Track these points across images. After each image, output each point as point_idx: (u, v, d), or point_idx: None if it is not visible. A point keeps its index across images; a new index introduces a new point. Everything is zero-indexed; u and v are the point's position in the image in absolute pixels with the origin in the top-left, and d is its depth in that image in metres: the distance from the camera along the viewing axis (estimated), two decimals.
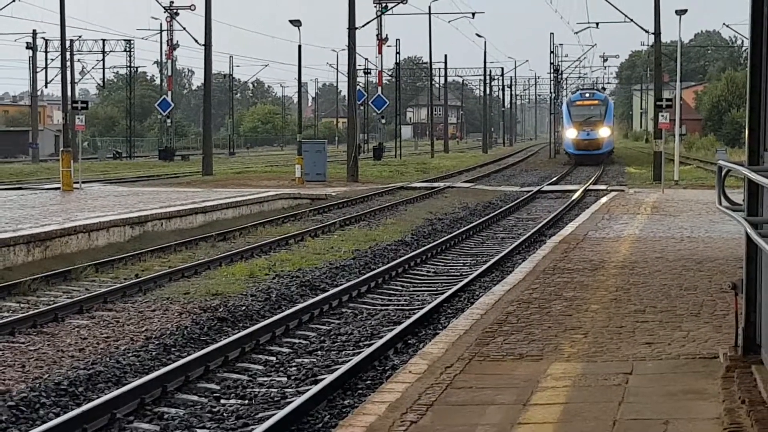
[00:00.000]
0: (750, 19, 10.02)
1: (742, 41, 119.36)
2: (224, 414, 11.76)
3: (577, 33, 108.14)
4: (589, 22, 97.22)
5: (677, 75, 63.46)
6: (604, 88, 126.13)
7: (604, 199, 35.78)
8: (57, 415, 11.42)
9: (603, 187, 45.92)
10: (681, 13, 56.70)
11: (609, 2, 61.58)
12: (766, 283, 9.21)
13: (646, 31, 59.55)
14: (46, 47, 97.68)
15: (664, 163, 44.96)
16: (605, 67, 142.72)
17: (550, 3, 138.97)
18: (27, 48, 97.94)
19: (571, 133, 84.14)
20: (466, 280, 20.32)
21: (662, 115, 45.97)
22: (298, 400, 11.57)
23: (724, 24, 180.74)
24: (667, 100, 49.80)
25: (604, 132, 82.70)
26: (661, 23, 57.03)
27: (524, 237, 27.94)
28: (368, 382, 12.81)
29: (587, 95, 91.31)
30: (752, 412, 8.15)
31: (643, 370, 9.94)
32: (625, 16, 60.84)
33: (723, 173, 9.54)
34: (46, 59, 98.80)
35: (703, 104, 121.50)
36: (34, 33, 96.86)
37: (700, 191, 39.83)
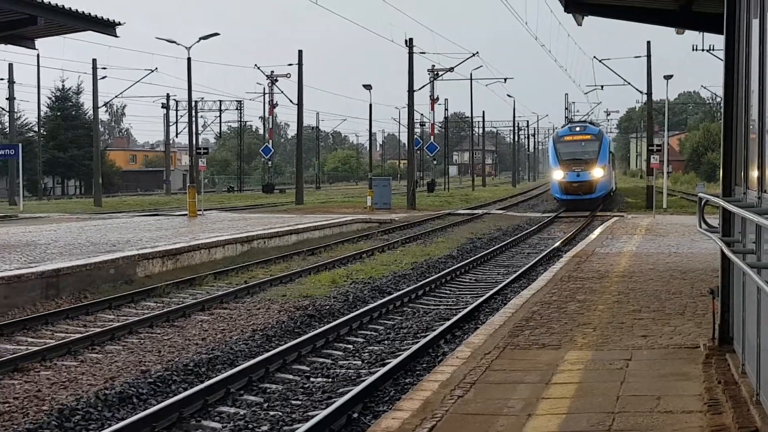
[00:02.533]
0: (723, 83, 9.96)
1: (717, 99, 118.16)
2: (313, 389, 11.81)
3: (586, 93, 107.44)
4: (595, 85, 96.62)
5: (665, 126, 63.14)
6: (597, 124, 77.99)
7: (608, 223, 35.57)
8: (185, 389, 11.52)
9: (607, 213, 45.54)
10: (668, 78, 56.29)
11: (611, 69, 61.34)
12: (737, 289, 9.16)
13: (641, 92, 58.99)
14: (176, 107, 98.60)
15: (654, 195, 44.92)
16: (608, 120, 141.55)
17: (565, 71, 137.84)
18: (162, 107, 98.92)
19: (557, 175, 53.98)
20: (499, 286, 20.26)
21: (653, 157, 45.93)
22: (370, 379, 11.60)
23: (702, 86, 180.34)
24: (657, 145, 49.43)
25: (597, 172, 52.33)
26: (652, 85, 56.81)
27: (545, 252, 27.77)
28: (424, 365, 12.81)
29: (577, 129, 58.06)
30: (726, 390, 8.12)
31: (639, 357, 9.93)
32: (624, 80, 60.29)
33: (702, 203, 9.49)
34: (177, 116, 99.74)
35: (685, 148, 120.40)
36: (168, 96, 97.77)
37: (683, 216, 39.53)
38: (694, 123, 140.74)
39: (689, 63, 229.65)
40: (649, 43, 56.90)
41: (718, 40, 44.96)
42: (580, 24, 21.83)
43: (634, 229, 31.49)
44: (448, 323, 15.65)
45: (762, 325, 7.10)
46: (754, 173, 8.06)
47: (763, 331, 7.08)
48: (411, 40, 58.89)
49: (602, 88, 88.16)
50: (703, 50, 54.21)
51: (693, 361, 9.55)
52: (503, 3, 35.37)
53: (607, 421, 7.48)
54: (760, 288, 6.41)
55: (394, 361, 12.63)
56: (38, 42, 24.13)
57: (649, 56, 56.55)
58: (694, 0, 17.53)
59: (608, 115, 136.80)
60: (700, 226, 9.34)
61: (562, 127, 58.15)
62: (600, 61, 61.89)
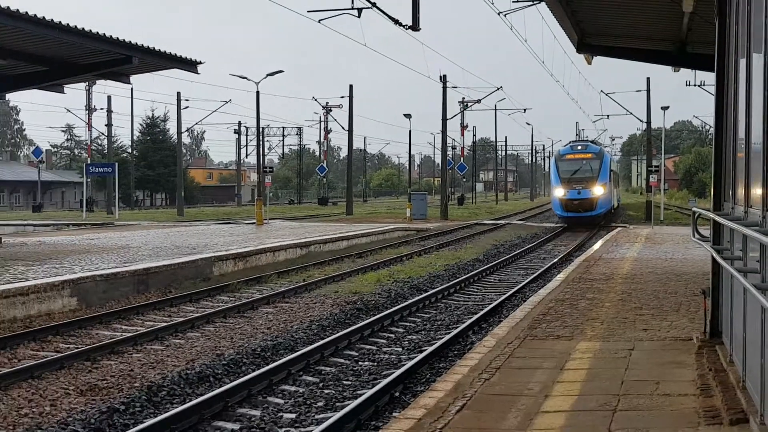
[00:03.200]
0: (714, 113, 9.90)
1: (707, 127, 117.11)
2: (360, 371, 11.81)
3: (594, 122, 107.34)
4: (602, 115, 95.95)
5: (662, 150, 62.69)
6: (599, 143, 67.25)
7: (612, 233, 35.31)
8: (253, 370, 11.57)
9: (611, 224, 45.24)
10: (665, 108, 56.16)
11: (615, 101, 61.17)
12: (726, 290, 9.09)
13: (641, 121, 58.64)
14: (246, 132, 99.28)
15: (653, 209, 44.82)
16: (613, 144, 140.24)
17: (576, 102, 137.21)
18: (235, 132, 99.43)
19: (558, 192, 47.87)
20: (520, 285, 20.18)
21: (652, 177, 45.82)
22: (409, 363, 11.59)
23: (694, 116, 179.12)
24: (655, 166, 49.25)
25: (597, 190, 46.20)
26: (651, 115, 56.53)
27: (559, 257, 27.63)
28: (456, 352, 12.79)
29: (579, 147, 51.84)
30: (716, 377, 8.05)
31: (641, 347, 9.86)
32: (626, 110, 59.91)
33: (696, 216, 9.43)
34: (246, 140, 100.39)
35: (679, 169, 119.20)
36: (239, 123, 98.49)
37: (678, 228, 39.16)
38: (687, 147, 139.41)
39: (683, 96, 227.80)
40: (648, 79, 56.64)
41: (708, 77, 44.59)
42: (590, 63, 21.76)
43: (635, 238, 31.25)
44: (475, 317, 15.61)
45: (747, 321, 7.04)
46: (741, 191, 8.00)
47: (748, 326, 7.02)
48: (445, 76, 58.93)
49: (608, 117, 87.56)
50: (695, 85, 53.79)
51: (687, 352, 9.47)
52: (523, 45, 35.24)
53: (613, 402, 7.43)
54: (746, 289, 6.38)
55: (430, 349, 12.62)
56: (132, 77, 24.42)
57: (648, 90, 56.28)
58: (688, 43, 17.44)
59: (613, 140, 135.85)
60: (694, 236, 9.27)
61: (564, 146, 50.04)
62: (606, 94, 61.62)
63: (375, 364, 12.29)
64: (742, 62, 8.18)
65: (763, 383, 6.18)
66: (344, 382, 11.16)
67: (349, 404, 9.62)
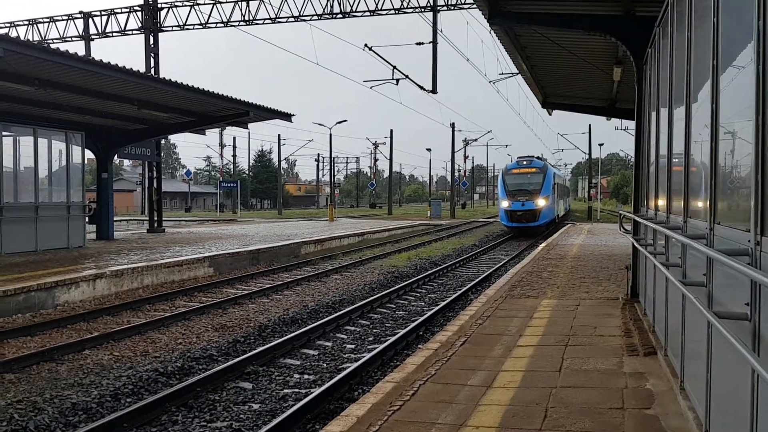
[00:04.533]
0: (634, 147, 9.79)
1: (629, 157, 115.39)
2: (397, 317, 11.79)
3: (553, 153, 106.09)
4: (558, 148, 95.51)
5: (599, 172, 61.80)
6: (544, 159, 44.95)
7: (565, 227, 34.83)
8: (326, 316, 11.61)
9: (565, 222, 44.64)
10: (601, 144, 55.58)
11: (567, 140, 60.70)
12: (641, 266, 8.98)
13: (584, 153, 58.07)
14: (322, 160, 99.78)
15: (592, 212, 44.16)
16: (565, 168, 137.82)
17: (540, 140, 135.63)
18: (315, 161, 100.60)
19: (504, 203, 36.80)
20: (503, 261, 20.03)
21: (592, 190, 45.31)
22: (429, 313, 11.55)
23: (620, 149, 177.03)
24: (594, 183, 48.74)
25: (540, 202, 36.18)
26: (592, 149, 56.02)
27: (529, 242, 27.40)
28: (460, 305, 12.72)
29: (524, 163, 39.94)
30: (635, 324, 7.96)
31: (584, 304, 9.73)
32: (575, 145, 60.02)
33: (621, 216, 9.31)
34: (322, 165, 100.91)
35: (610, 185, 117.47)
36: (318, 155, 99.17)
37: (609, 224, 38.53)
38: (615, 171, 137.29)
39: (613, 136, 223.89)
40: (590, 125, 56.46)
41: (630, 124, 43.89)
42: (550, 114, 21.55)
43: (580, 231, 30.84)
44: (473, 282, 15.53)
45: (656, 286, 6.95)
46: (651, 200, 7.91)
47: (656, 290, 6.93)
48: (453, 124, 58.75)
49: (562, 150, 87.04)
50: (622, 129, 52.81)
51: (615, 307, 9.34)
52: (506, 102, 35.14)
53: (565, 339, 7.37)
54: (654, 265, 6.30)
55: (443, 303, 12.58)
56: (249, 125, 24.61)
57: (590, 132, 55.67)
58: (617, 101, 17.23)
59: (565, 165, 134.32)
60: (620, 230, 9.15)
61: (512, 162, 39.14)
62: (561, 135, 61.17)
63: (406, 312, 12.30)
64: (653, 114, 8.08)
65: (666, 329, 6.11)
66: (386, 325, 11.19)
67: (388, 339, 9.64)
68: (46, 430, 6.17)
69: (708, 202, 4.06)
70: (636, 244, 8.11)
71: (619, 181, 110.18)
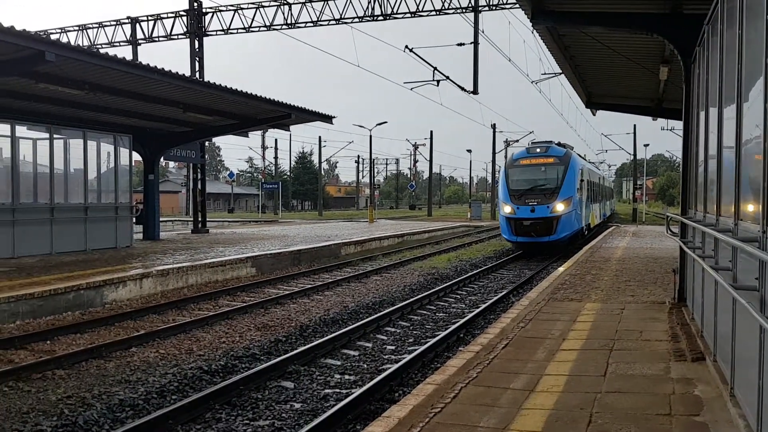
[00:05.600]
0: (682, 148, 9.56)
1: (675, 158, 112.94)
2: (437, 319, 11.76)
3: (597, 154, 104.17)
4: (602, 149, 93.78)
5: (644, 173, 60.58)
6: (568, 145, 25.46)
7: (609, 230, 34.25)
8: (367, 317, 11.64)
9: (609, 224, 43.86)
10: (646, 145, 54.29)
11: (612, 140, 59.46)
12: (689, 269, 8.77)
13: (629, 153, 57.01)
14: (362, 162, 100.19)
15: (637, 214, 43.30)
16: (609, 168, 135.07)
17: (584, 140, 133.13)
18: (355, 162, 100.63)
19: (506, 209, 22.07)
20: (545, 264, 19.80)
21: (637, 192, 44.40)
22: (469, 315, 11.49)
23: (666, 150, 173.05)
24: (640, 185, 47.77)
25: (558, 207, 21.35)
26: (637, 150, 54.87)
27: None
28: (501, 308, 12.62)
29: (537, 150, 22.86)
30: (682, 328, 7.79)
31: (629, 308, 9.55)
32: (619, 146, 58.66)
33: (668, 219, 9.11)
34: (362, 166, 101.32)
35: (656, 186, 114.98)
36: (358, 156, 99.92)
37: (654, 227, 37.75)
38: (661, 172, 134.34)
39: (659, 136, 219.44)
40: (635, 125, 55.54)
41: (677, 124, 42.94)
42: (594, 115, 21.22)
43: (625, 233, 30.27)
44: (514, 285, 15.39)
45: (704, 290, 6.78)
46: (700, 202, 7.72)
47: (705, 294, 6.76)
48: (494, 125, 58.27)
49: (606, 151, 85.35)
50: (668, 129, 51.65)
51: (661, 311, 9.15)
52: (548, 103, 34.63)
53: (610, 344, 7.24)
54: (704, 269, 6.16)
55: (483, 306, 12.50)
56: (291, 127, 24.87)
57: (635, 133, 54.65)
58: (663, 101, 16.88)
59: (609, 167, 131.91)
60: (667, 232, 8.95)
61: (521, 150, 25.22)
62: (605, 135, 60.02)
63: (446, 314, 12.26)
64: (701, 114, 7.88)
65: (715, 334, 5.96)
66: (426, 326, 11.16)
67: (429, 341, 9.62)
68: (95, 426, 6.34)
69: (761, 204, 3.94)
70: (684, 247, 7.91)
71: (665, 182, 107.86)
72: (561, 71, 15.08)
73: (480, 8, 25.41)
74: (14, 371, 7.79)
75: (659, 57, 12.10)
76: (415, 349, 9.11)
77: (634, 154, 55.97)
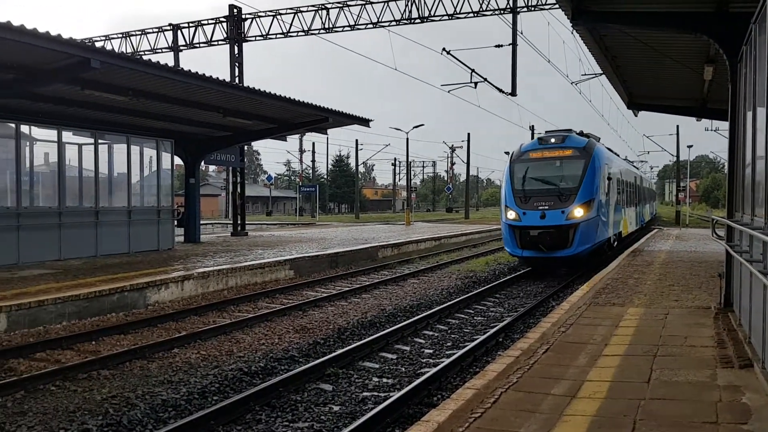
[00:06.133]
0: (728, 149, 9.33)
1: (719, 160, 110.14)
2: (475, 323, 11.67)
3: (638, 156, 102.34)
4: (644, 150, 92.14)
5: (687, 175, 59.25)
6: (593, 136, 19.69)
7: (651, 233, 33.56)
8: (404, 320, 11.62)
9: (651, 227, 42.99)
10: (689, 146, 53.12)
11: (654, 142, 58.37)
12: (736, 273, 8.55)
13: (672, 155, 55.81)
14: (399, 164, 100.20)
15: (681, 216, 42.36)
16: (651, 170, 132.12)
17: (626, 142, 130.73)
18: (392, 165, 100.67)
19: (510, 214, 16.66)
20: (584, 270, 19.49)
21: (681, 194, 43.42)
22: (508, 319, 11.38)
23: (711, 151, 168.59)
24: (683, 187, 46.78)
25: (577, 212, 15.81)
26: (680, 151, 53.81)
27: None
28: (540, 312, 12.48)
29: (552, 141, 17.02)
30: (729, 334, 7.59)
31: (673, 313, 9.34)
32: (662, 147, 57.29)
33: (714, 221, 8.88)
34: (399, 169, 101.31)
35: (700, 188, 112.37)
36: (395, 159, 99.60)
37: (699, 229, 36.88)
38: (705, 173, 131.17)
39: (704, 137, 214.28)
40: (678, 126, 54.19)
41: (721, 125, 41.90)
42: (636, 116, 20.85)
43: (668, 237, 29.63)
44: (554, 289, 15.18)
45: (752, 295, 6.60)
46: (748, 204, 7.52)
47: (753, 299, 6.57)
48: (533, 126, 57.76)
49: (648, 153, 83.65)
50: (712, 130, 50.47)
51: (707, 317, 8.92)
52: (588, 104, 34.21)
53: (654, 350, 7.09)
54: (751, 273, 6.00)
55: (522, 310, 12.38)
56: (328, 130, 25.03)
57: (678, 134, 53.47)
58: (708, 101, 16.50)
59: (651, 169, 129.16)
60: (713, 235, 8.75)
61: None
62: (647, 137, 58.96)
63: (485, 318, 12.16)
64: (749, 114, 7.68)
65: (764, 340, 5.79)
66: (464, 330, 11.10)
67: (467, 345, 9.56)
68: (139, 425, 6.47)
69: None
70: (730, 251, 7.72)
71: (709, 184, 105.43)
72: (601, 72, 14.87)
73: (518, 9, 25.22)
74: (61, 371, 8.00)
75: (704, 56, 11.84)
76: (454, 353, 9.07)
77: (677, 156, 54.84)
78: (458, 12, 25.79)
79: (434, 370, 7.95)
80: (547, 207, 16.69)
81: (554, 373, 6.23)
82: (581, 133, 19.41)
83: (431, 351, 9.60)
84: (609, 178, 18.20)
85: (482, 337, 9.79)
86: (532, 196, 17.06)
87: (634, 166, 33.09)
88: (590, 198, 16.79)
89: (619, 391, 5.60)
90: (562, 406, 5.24)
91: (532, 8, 25.20)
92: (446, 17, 26.00)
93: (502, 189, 17.84)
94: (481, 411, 5.12)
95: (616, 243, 19.62)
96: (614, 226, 19.33)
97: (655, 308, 9.70)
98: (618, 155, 24.26)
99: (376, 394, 7.51)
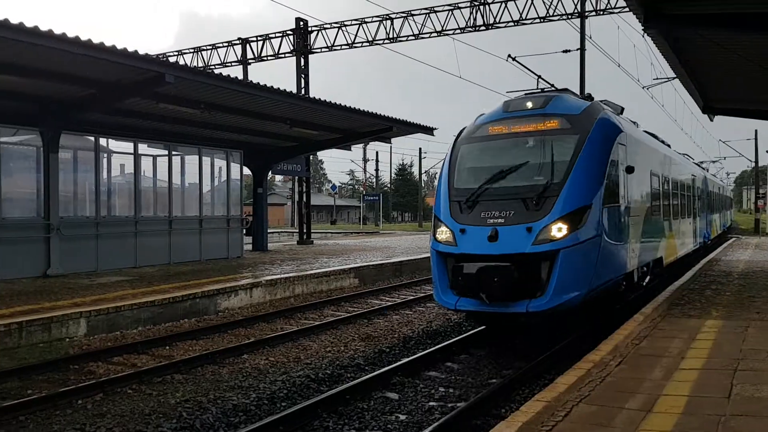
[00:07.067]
0: None
1: None
2: (553, 329, 11.39)
3: (713, 162, 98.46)
4: (720, 156, 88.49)
5: (766, 181, 56.58)
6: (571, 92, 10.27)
7: (728, 242, 32.15)
8: (467, 331, 11.48)
9: (728, 236, 41.14)
10: None
11: (731, 147, 55.95)
12: None
13: (750, 161, 53.39)
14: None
15: (760, 224, 40.44)
16: (728, 177, 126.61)
17: (700, 147, 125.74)
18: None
19: (440, 234, 8.44)
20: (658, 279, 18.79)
21: (760, 201, 41.49)
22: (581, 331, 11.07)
23: None
24: (762, 194, 44.70)
25: (557, 228, 7.40)
26: (758, 156, 51.43)
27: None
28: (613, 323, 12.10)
29: (527, 105, 8.86)
30: None
31: (755, 326, 8.90)
32: (739, 153, 54.80)
33: None
34: (423, 169, 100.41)
35: None
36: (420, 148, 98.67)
37: None
38: None
39: None
40: (756, 131, 51.61)
41: None
42: (712, 120, 20.11)
43: (746, 246, 28.33)
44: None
45: None
46: None
47: None
48: None
49: (725, 158, 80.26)
50: None
51: None
52: (661, 108, 33.15)
53: (734, 364, 6.78)
54: None
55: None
56: (392, 139, 25.16)
57: (756, 138, 51.19)
58: None
59: (728, 175, 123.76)
60: None
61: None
62: (723, 142, 56.61)
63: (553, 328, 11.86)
64: None
65: None
66: (532, 340, 10.87)
67: (536, 358, 9.38)
68: (211, 429, 6.64)
69: None
70: None
71: None
72: (675, 76, 14.39)
73: (586, 14, 24.75)
74: (137, 375, 8.31)
75: None
76: (522, 366, 8.92)
77: (756, 161, 52.46)
78: (524, 18, 25.51)
79: (502, 381, 7.84)
80: (501, 220, 8.80)
81: (628, 386, 6.04)
82: (585, 96, 11.54)
83: (498, 362, 9.46)
84: (630, 167, 10.23)
85: (556, 347, 9.58)
86: (480, 200, 9.20)
87: (696, 164, 25.00)
88: (584, 203, 8.78)
89: (698, 406, 5.39)
90: (636, 420, 5.08)
91: (601, 12, 24.69)
92: (512, 23, 25.77)
93: (439, 189, 10.02)
94: (551, 424, 5.02)
95: (649, 278, 12.22)
96: (643, 250, 11.58)
97: (734, 320, 9.27)
98: (669, 145, 16.92)
99: (442, 404, 7.46)
